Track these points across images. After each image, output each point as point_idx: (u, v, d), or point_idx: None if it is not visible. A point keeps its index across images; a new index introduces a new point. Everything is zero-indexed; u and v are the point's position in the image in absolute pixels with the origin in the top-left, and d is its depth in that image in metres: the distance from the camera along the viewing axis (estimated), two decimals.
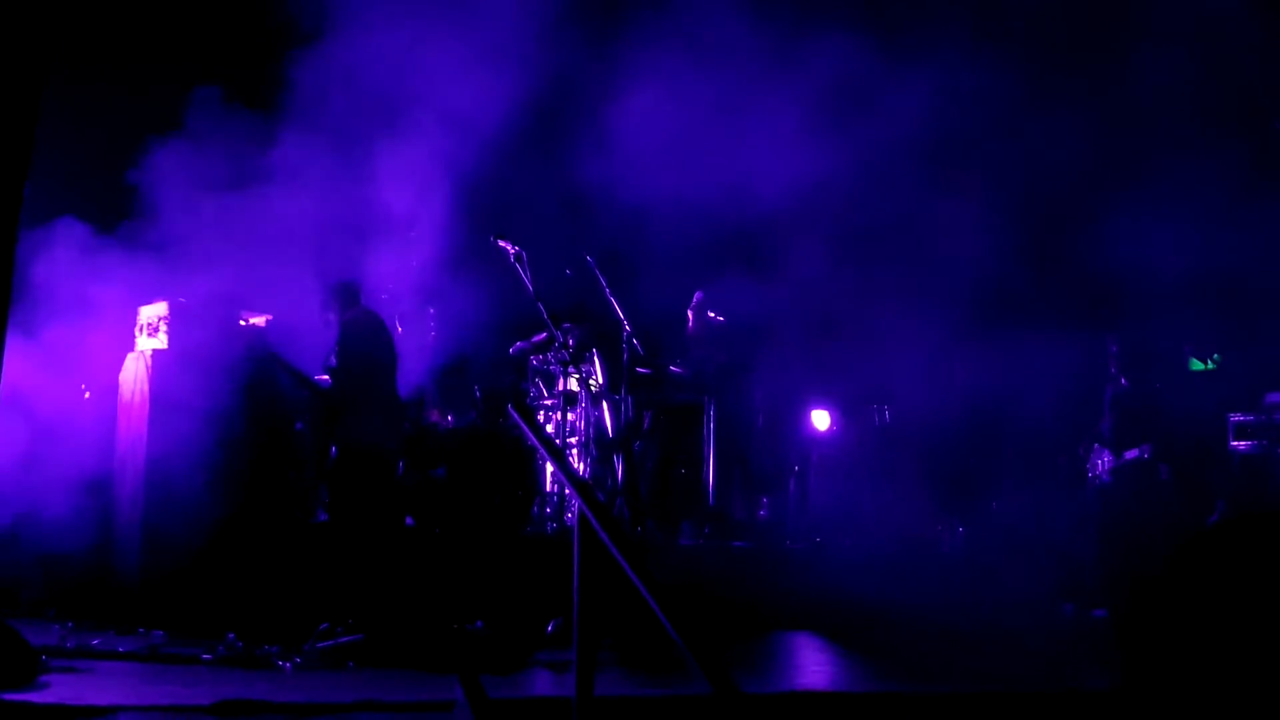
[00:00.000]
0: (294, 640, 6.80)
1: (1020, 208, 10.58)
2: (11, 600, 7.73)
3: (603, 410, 10.28)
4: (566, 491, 9.65)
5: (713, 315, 10.93)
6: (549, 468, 9.75)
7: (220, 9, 10.02)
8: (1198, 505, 9.98)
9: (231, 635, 6.79)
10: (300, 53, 9.00)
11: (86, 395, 8.47)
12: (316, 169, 8.87)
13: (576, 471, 9.91)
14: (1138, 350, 10.17)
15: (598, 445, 10.25)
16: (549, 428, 10.14)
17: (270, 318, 8.41)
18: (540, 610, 7.66)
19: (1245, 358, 11.04)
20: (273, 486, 8.19)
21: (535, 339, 10.35)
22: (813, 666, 7.99)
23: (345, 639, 6.83)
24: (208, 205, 8.54)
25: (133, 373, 8.01)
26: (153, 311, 8.03)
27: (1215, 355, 11.20)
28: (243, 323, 8.26)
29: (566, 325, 9.98)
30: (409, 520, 9.32)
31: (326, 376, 8.57)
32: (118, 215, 8.52)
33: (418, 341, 9.82)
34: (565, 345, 9.84)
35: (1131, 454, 9.86)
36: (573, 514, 7.87)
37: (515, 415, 4.96)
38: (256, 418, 7.97)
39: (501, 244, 9.53)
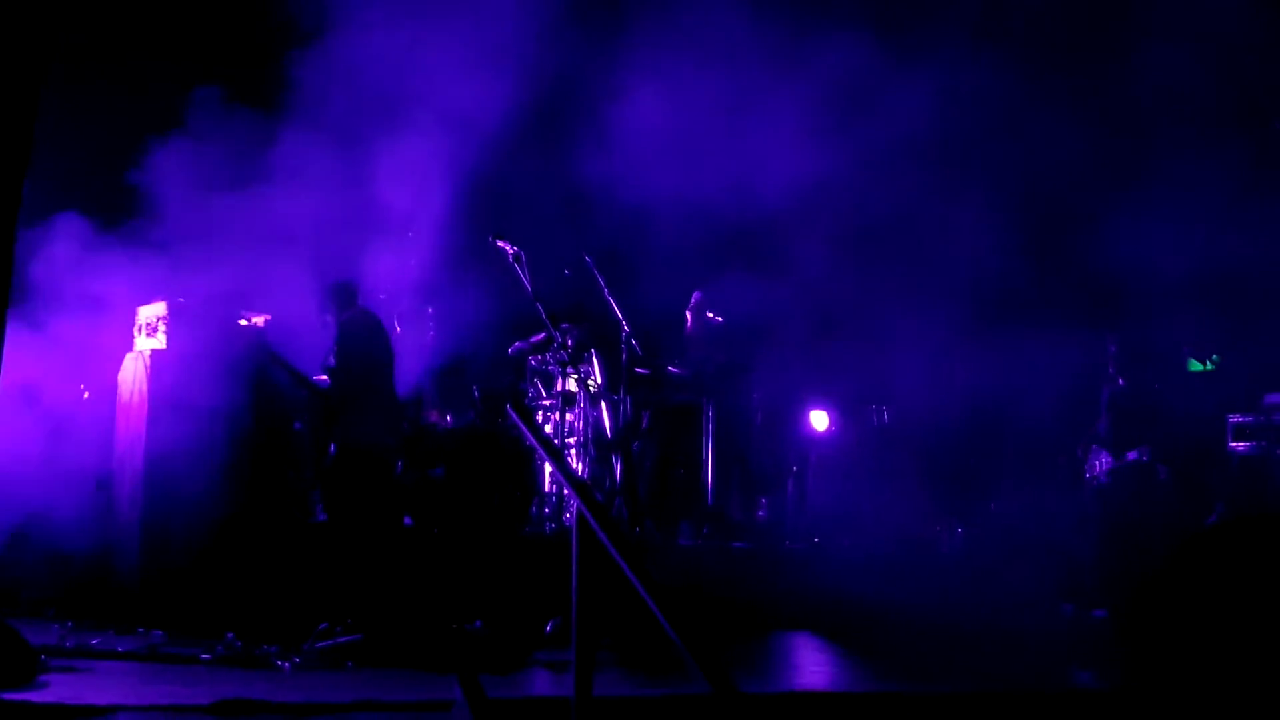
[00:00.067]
0: (293, 640, 6.80)
1: (1019, 207, 10.58)
2: (11, 599, 7.73)
3: (601, 410, 10.28)
4: (565, 492, 9.65)
5: (711, 315, 10.93)
6: (548, 468, 9.75)
7: (221, 7, 10.02)
8: (1197, 506, 9.99)
9: (230, 635, 6.79)
10: (300, 52, 8.99)
11: (85, 395, 8.47)
12: (315, 168, 8.87)
13: (575, 472, 9.90)
14: (1136, 350, 10.18)
15: (596, 445, 10.25)
16: (547, 428, 10.14)
17: (269, 317, 8.41)
18: (539, 610, 7.66)
19: (1244, 358, 11.03)
20: (272, 486, 8.19)
21: (534, 339, 10.34)
22: (812, 666, 7.99)
23: (344, 639, 6.83)
24: (208, 204, 8.54)
25: (131, 373, 8.00)
26: (151, 311, 8.03)
27: (1214, 356, 11.19)
28: (242, 322, 8.26)
29: (565, 325, 9.98)
30: (407, 520, 9.32)
31: (325, 376, 8.57)
32: (117, 215, 8.51)
33: (416, 341, 9.82)
34: (564, 345, 9.84)
35: (1132, 455, 9.87)
36: (571, 514, 7.89)
37: (514, 415, 4.96)
38: (255, 418, 7.97)
39: (500, 244, 9.53)
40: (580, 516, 4.15)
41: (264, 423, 8.09)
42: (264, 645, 6.73)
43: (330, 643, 6.79)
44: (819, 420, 11.41)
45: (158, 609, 7.43)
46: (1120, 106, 10.66)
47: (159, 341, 7.93)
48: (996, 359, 10.22)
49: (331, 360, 8.53)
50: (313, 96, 8.96)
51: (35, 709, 5.12)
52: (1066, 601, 9.77)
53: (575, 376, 10.00)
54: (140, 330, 8.07)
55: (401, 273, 9.75)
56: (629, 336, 10.26)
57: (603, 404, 10.28)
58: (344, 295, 8.71)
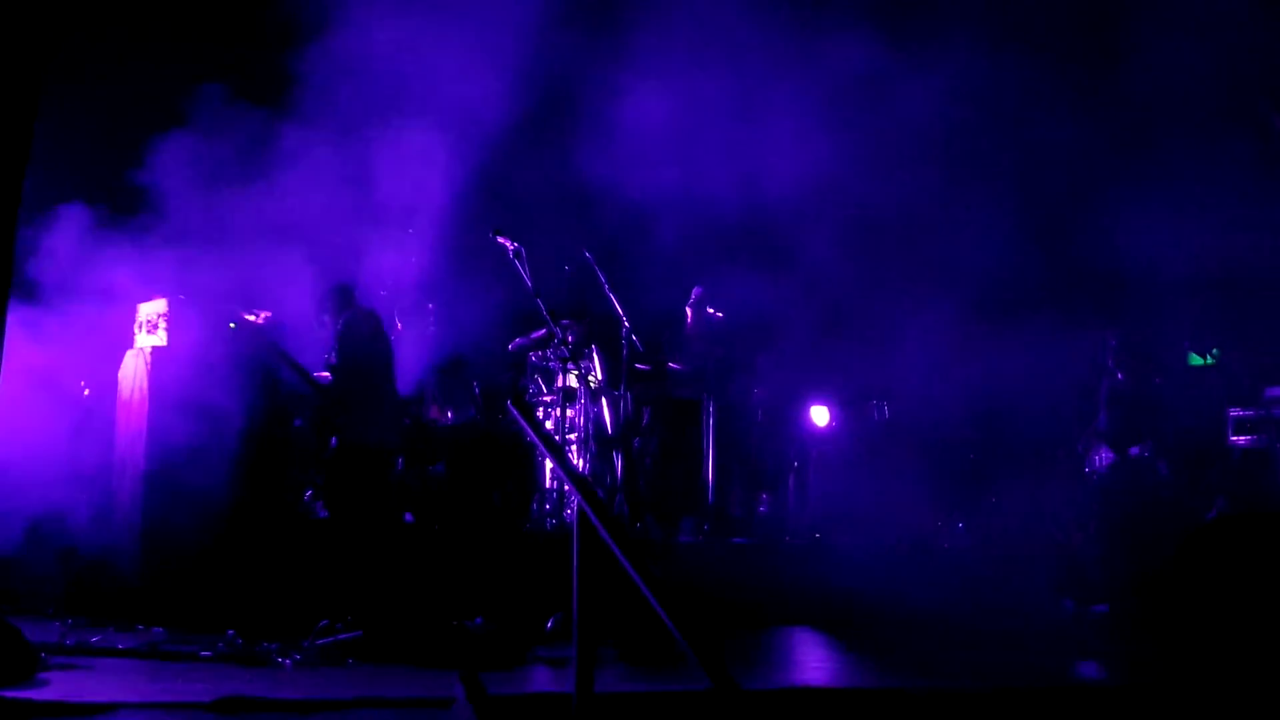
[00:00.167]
0: (293, 637, 6.80)
1: (1021, 203, 10.58)
2: (11, 597, 7.73)
3: (602, 407, 10.28)
4: (566, 488, 9.65)
5: (712, 311, 10.92)
6: (548, 464, 9.76)
7: (226, 3, 10.02)
8: (1197, 500, 9.99)
9: (231, 632, 6.80)
10: (302, 49, 9.00)
11: (86, 392, 8.46)
12: (317, 165, 8.87)
13: (576, 468, 9.89)
14: (1137, 345, 10.18)
15: (597, 442, 10.25)
16: (548, 424, 10.14)
17: (270, 314, 8.41)
18: (540, 607, 7.67)
19: (1245, 352, 11.03)
20: (272, 483, 8.19)
21: (534, 335, 10.34)
22: (812, 662, 8.00)
23: (344, 635, 6.83)
24: (210, 201, 8.54)
25: (132, 370, 8.00)
26: (152, 308, 8.03)
27: (1214, 350, 11.19)
28: (244, 319, 8.26)
29: (566, 321, 9.97)
30: (408, 516, 9.33)
31: (327, 374, 8.57)
32: (118, 211, 8.51)
33: (417, 338, 9.82)
34: (564, 341, 9.84)
35: (1134, 451, 9.88)
36: (572, 510, 7.87)
37: (514, 412, 4.95)
38: (256, 415, 7.97)
39: (500, 240, 9.52)
40: (581, 513, 4.15)
41: (265, 420, 8.08)
42: (264, 642, 6.73)
43: (331, 639, 6.79)
44: (820, 416, 11.41)
45: (158, 606, 7.43)
46: (1121, 102, 10.66)
47: (160, 339, 7.93)
48: (997, 354, 10.23)
49: (333, 358, 8.53)
50: (314, 93, 8.97)
51: (35, 706, 5.12)
52: (1067, 596, 9.77)
53: (576, 372, 9.99)
54: (141, 327, 8.07)
55: (403, 269, 9.76)
56: (629, 332, 10.26)
57: (603, 400, 10.28)
58: (341, 298, 8.71)
